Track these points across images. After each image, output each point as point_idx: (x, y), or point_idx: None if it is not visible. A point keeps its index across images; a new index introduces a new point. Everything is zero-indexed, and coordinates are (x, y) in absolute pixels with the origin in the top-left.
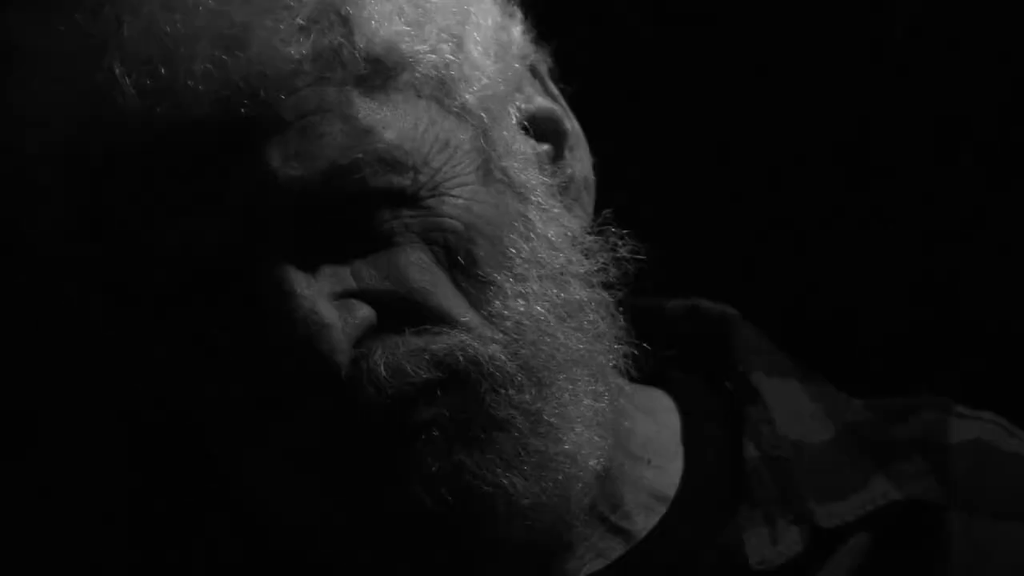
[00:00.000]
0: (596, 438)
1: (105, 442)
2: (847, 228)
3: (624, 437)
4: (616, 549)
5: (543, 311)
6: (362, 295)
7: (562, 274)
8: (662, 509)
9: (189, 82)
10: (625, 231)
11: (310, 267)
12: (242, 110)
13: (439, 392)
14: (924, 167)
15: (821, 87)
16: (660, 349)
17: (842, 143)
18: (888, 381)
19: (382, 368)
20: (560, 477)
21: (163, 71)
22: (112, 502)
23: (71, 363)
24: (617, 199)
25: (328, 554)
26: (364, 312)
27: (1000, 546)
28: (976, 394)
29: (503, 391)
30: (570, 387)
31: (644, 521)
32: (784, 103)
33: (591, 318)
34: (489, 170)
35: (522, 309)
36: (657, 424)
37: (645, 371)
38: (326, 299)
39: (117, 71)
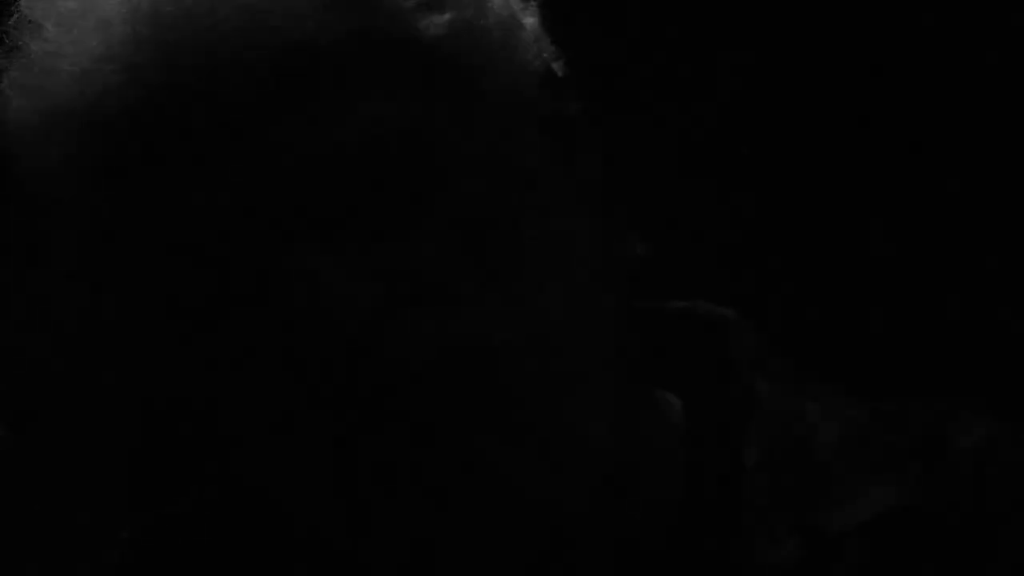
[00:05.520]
0: (603, 433)
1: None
2: (847, 229)
3: (629, 436)
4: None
5: (556, 302)
6: (380, 274)
7: (573, 270)
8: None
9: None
10: (632, 231)
11: (331, 246)
12: (280, 76)
13: (450, 374)
14: (922, 165)
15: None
16: (661, 351)
17: (842, 141)
18: (890, 381)
19: (395, 348)
20: (566, 470)
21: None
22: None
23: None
24: (626, 198)
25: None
26: (379, 291)
27: (1003, 549)
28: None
29: (513, 378)
30: (579, 380)
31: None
32: (787, 102)
33: (601, 315)
34: (506, 161)
35: (535, 299)
36: (659, 426)
37: (647, 373)
38: (344, 277)
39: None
